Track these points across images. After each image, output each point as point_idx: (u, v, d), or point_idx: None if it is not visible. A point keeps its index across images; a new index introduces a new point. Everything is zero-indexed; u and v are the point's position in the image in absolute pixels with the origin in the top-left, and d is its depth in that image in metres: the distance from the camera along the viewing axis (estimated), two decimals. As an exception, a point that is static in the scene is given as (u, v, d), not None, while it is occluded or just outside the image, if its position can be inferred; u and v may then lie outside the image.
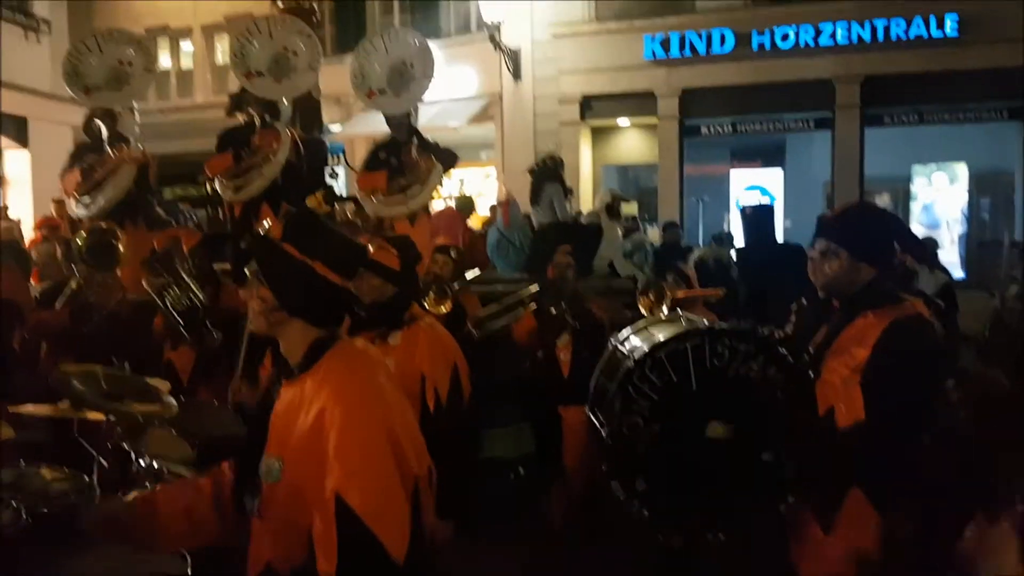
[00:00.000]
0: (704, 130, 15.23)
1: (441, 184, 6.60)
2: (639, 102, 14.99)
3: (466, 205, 10.45)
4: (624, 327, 3.37)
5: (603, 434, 2.72)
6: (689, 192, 15.13)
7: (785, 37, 13.81)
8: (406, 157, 6.23)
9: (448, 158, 6.42)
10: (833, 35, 13.59)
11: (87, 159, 6.27)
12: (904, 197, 15.41)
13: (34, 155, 14.79)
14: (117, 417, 2.59)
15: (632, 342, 3.04)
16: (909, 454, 2.78)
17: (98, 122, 6.27)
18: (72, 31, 15.31)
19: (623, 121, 15.97)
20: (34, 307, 5.34)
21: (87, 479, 2.78)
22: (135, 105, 6.72)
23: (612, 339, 3.27)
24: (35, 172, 14.67)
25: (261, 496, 2.07)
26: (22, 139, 14.79)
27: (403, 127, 6.36)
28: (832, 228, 2.88)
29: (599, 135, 16.16)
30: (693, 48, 14.25)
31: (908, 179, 15.27)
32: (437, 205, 11.15)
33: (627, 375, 2.64)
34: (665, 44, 14.37)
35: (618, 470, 2.67)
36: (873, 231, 2.93)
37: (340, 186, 8.23)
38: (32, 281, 7.86)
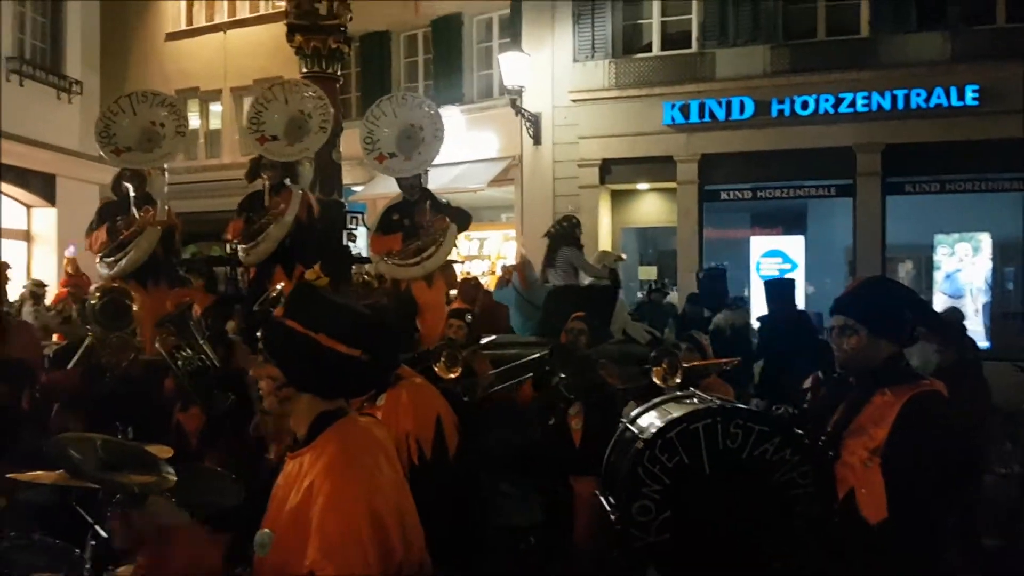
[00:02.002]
0: (724, 195, 15.26)
1: (456, 244, 6.59)
2: (658, 166, 15.08)
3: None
4: (638, 396, 3.30)
5: (612, 518, 2.63)
6: (709, 256, 15.09)
7: (805, 105, 13.89)
8: (420, 218, 6.24)
9: (462, 218, 6.42)
10: (853, 104, 13.65)
11: (114, 218, 6.28)
12: (927, 266, 15.25)
13: (60, 212, 15.05)
14: (113, 488, 2.54)
15: (644, 420, 2.97)
16: (935, 536, 2.66)
17: (126, 183, 6.28)
18: (104, 93, 15.71)
19: (642, 185, 16.05)
20: (45, 366, 5.35)
21: (77, 552, 2.72)
22: (165, 166, 6.74)
23: (623, 417, 3.20)
24: (61, 229, 14.90)
25: (252, 567, 2.04)
26: (49, 197, 15.08)
27: (415, 189, 6.39)
28: (850, 304, 2.82)
29: (618, 198, 16.24)
30: (712, 115, 14.37)
31: (931, 248, 15.13)
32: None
33: (637, 456, 2.56)
34: (684, 110, 14.50)
35: (628, 556, 2.57)
36: (891, 306, 2.86)
37: (359, 247, 8.25)
38: (56, 338, 7.92)
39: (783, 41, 14.28)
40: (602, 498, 2.93)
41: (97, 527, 2.90)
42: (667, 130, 14.72)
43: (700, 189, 14.98)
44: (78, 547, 3.02)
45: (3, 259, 7.37)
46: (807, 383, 3.11)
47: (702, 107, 14.40)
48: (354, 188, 15.14)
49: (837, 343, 2.78)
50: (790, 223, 15.89)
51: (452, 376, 5.02)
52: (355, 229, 7.63)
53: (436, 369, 4.94)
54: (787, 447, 2.55)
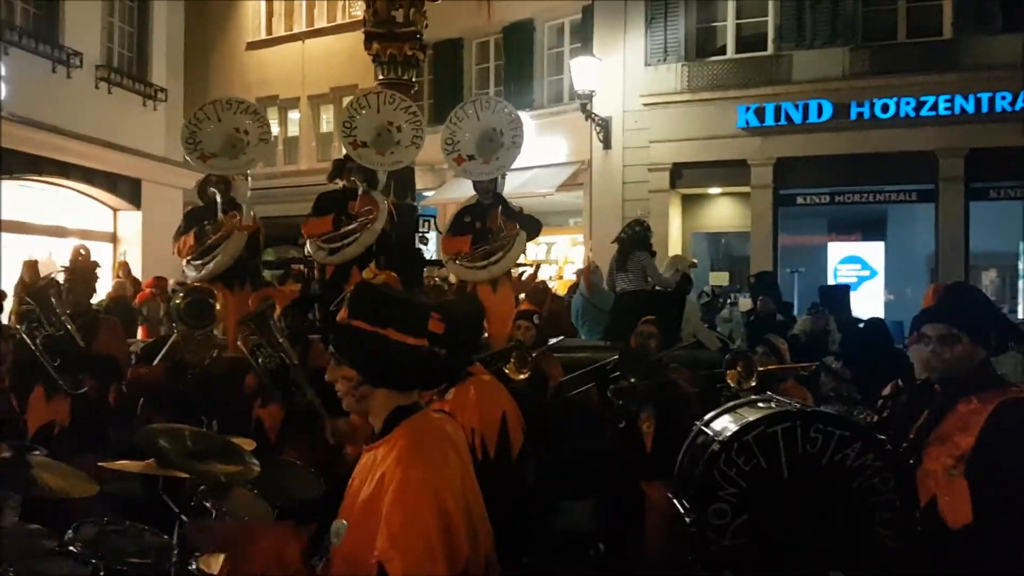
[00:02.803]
0: (800, 200, 14.97)
1: (525, 251, 6.61)
2: (731, 170, 14.87)
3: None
4: (709, 401, 3.27)
5: (687, 521, 2.61)
6: (784, 263, 14.80)
7: (885, 108, 13.53)
8: (491, 223, 6.27)
9: (532, 225, 6.43)
10: (935, 107, 13.25)
11: (201, 223, 6.40)
12: (1011, 274, 14.68)
13: (145, 216, 15.62)
14: (200, 477, 2.63)
15: (719, 423, 2.93)
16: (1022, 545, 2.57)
17: (213, 188, 6.41)
18: (187, 100, 16.26)
19: (714, 189, 15.85)
20: (131, 362, 5.55)
21: (166, 538, 2.83)
22: (248, 171, 6.89)
23: (697, 420, 3.17)
24: (145, 232, 15.47)
25: (327, 557, 2.10)
26: (135, 201, 15.66)
27: (489, 193, 6.42)
28: (951, 311, 2.71)
29: (689, 203, 16.06)
30: (789, 118, 14.11)
31: (1016, 256, 14.56)
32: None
33: (713, 458, 2.53)
34: (759, 113, 14.28)
35: (704, 560, 2.55)
36: (988, 313, 2.77)
37: (430, 251, 8.36)
38: (141, 336, 8.23)
39: (862, 43, 13.94)
40: (675, 501, 2.90)
41: (183, 516, 3.00)
42: (741, 133, 14.51)
43: (775, 193, 14.72)
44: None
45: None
46: (886, 390, 3.03)
47: (778, 110, 14.16)
48: (425, 193, 15.33)
49: (936, 352, 2.67)
50: (869, 229, 15.49)
51: (522, 377, 5.05)
52: (427, 233, 7.71)
53: (506, 370, 4.98)
54: (869, 453, 2.49)
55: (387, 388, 2.12)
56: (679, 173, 15.34)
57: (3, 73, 12.40)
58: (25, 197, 13.90)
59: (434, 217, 15.28)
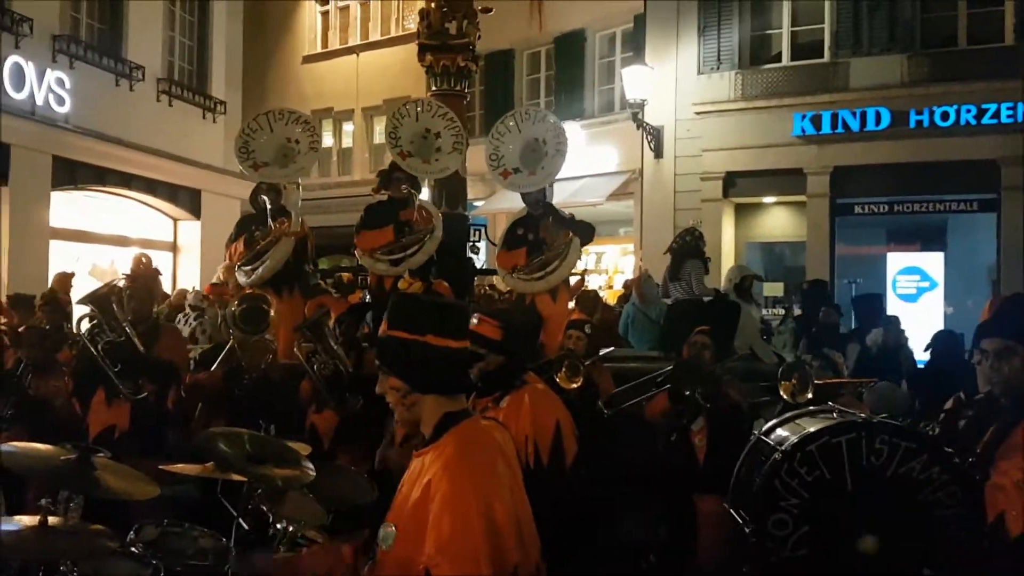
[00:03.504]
0: (858, 209, 14.67)
1: (579, 258, 6.58)
2: (786, 179, 14.65)
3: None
4: (764, 414, 3.21)
5: (746, 531, 2.56)
6: (841, 273, 14.50)
7: (945, 116, 13.19)
8: (544, 233, 6.25)
9: (586, 231, 6.39)
10: (997, 115, 12.86)
11: (251, 230, 6.54)
12: (1077, 285, 14.15)
13: (204, 225, 15.98)
14: (258, 480, 2.67)
15: (779, 433, 2.87)
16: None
17: (263, 196, 6.54)
18: (245, 113, 16.62)
19: (769, 198, 15.63)
20: (190, 368, 5.66)
21: (224, 541, 2.87)
22: (299, 180, 6.99)
23: (756, 429, 3.11)
24: (204, 241, 15.82)
25: (375, 562, 2.11)
26: (195, 210, 16.03)
27: (539, 203, 6.41)
28: (1007, 325, 2.64)
29: (743, 212, 15.86)
30: (846, 125, 13.86)
31: (1081, 266, 14.05)
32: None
33: (774, 468, 2.48)
34: (816, 121, 14.05)
35: (762, 571, 2.50)
36: None
37: (481, 260, 8.38)
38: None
39: (921, 49, 13.64)
40: (733, 511, 2.85)
41: (240, 520, 3.05)
42: (796, 142, 14.29)
43: (832, 203, 14.45)
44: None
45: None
46: (949, 404, 2.94)
47: (835, 118, 13.91)
48: (475, 203, 15.41)
49: (996, 366, 2.61)
50: (929, 239, 15.09)
51: (573, 386, 5.02)
52: (477, 242, 7.73)
53: (557, 379, 4.96)
54: (935, 466, 2.42)
55: (434, 394, 2.14)
56: (732, 182, 15.16)
57: (69, 87, 12.83)
58: (90, 207, 14.34)
59: (484, 227, 15.31)
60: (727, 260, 14.72)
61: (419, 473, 2.10)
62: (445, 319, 2.17)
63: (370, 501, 3.40)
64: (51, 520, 2.66)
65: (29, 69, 12.13)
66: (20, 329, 5.93)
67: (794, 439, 2.59)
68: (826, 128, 13.99)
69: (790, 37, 14.70)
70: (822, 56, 14.36)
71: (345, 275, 8.32)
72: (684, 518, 4.69)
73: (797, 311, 12.87)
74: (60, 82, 12.70)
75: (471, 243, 7.54)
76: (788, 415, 3.12)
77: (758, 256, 16.07)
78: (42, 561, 2.84)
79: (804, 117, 14.12)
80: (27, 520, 2.73)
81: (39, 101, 12.32)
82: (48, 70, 12.52)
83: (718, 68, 15.02)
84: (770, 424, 3.04)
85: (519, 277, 6.27)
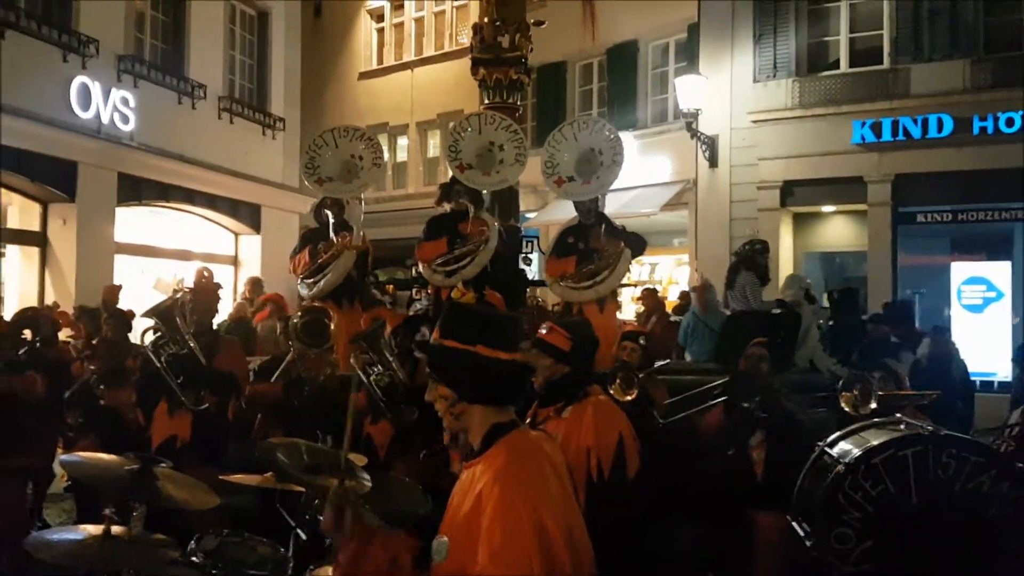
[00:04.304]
0: (920, 218, 14.28)
1: (630, 269, 6.53)
2: (846, 188, 14.36)
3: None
4: (825, 427, 3.14)
5: (807, 544, 2.49)
6: (904, 284, 14.14)
7: (1010, 122, 12.79)
8: (594, 242, 6.22)
9: (636, 243, 6.34)
10: (1064, 120, 12.46)
11: (315, 243, 6.67)
12: None
13: (264, 239, 16.31)
14: (315, 491, 2.70)
15: (843, 446, 2.80)
16: None
17: (327, 210, 6.68)
18: (304, 129, 16.94)
19: (828, 207, 15.33)
20: (250, 379, 5.77)
21: (282, 551, 2.90)
22: (361, 195, 7.10)
23: (819, 442, 3.04)
24: (264, 254, 16.15)
25: (430, 574, 2.11)
26: (255, 225, 16.37)
27: (591, 212, 6.38)
28: None
29: (801, 221, 15.58)
30: (907, 133, 13.53)
31: None
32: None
33: (837, 481, 2.42)
34: (876, 129, 13.75)
35: (823, 587, 2.43)
36: None
37: (533, 271, 8.37)
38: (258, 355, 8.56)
39: (984, 54, 13.26)
40: (794, 524, 2.79)
41: (299, 530, 3.08)
42: (856, 149, 14.00)
43: (894, 211, 14.11)
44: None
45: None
46: (1014, 416, 2.83)
47: (895, 125, 13.60)
48: (528, 214, 15.44)
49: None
50: (995, 248, 14.61)
51: (628, 399, 4.97)
52: (530, 253, 7.73)
53: (611, 391, 4.92)
54: (1006, 481, 2.33)
55: (482, 405, 2.14)
56: (790, 191, 14.91)
57: (133, 105, 13.24)
58: (154, 222, 14.75)
59: (537, 238, 15.31)
60: (785, 270, 14.47)
61: (470, 484, 2.10)
62: (496, 330, 2.18)
63: (424, 512, 3.41)
64: (114, 529, 2.71)
65: (95, 89, 12.54)
66: (93, 341, 6.13)
67: (858, 452, 2.52)
68: (886, 136, 13.69)
69: (848, 44, 14.44)
70: (881, 63, 14.06)
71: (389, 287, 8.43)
72: (741, 533, 4.60)
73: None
74: (125, 101, 13.11)
75: (523, 254, 7.55)
76: (853, 427, 3.03)
77: (817, 266, 15.76)
78: (105, 570, 2.91)
79: (864, 125, 13.84)
80: (91, 529, 2.79)
81: (105, 120, 12.72)
82: (113, 89, 12.91)
83: (774, 76, 14.82)
84: (834, 436, 2.97)
85: (567, 285, 6.24)
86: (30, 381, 5.82)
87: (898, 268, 14.22)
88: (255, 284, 12.06)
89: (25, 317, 6.91)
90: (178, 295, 5.66)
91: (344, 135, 6.87)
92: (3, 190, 12.17)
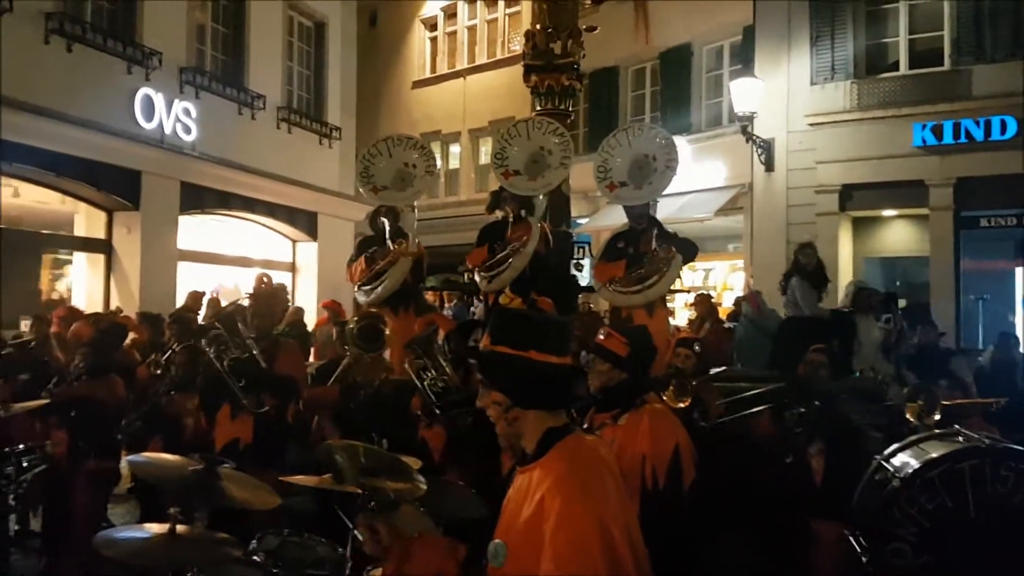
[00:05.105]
0: (984, 222, 13.88)
1: (680, 275, 6.48)
2: (907, 191, 14.02)
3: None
4: (883, 435, 3.08)
5: (863, 560, 2.46)
6: (967, 290, 13.76)
7: (1077, 123, 12.39)
8: (645, 247, 6.18)
9: (688, 249, 6.28)
10: None
11: (371, 251, 6.78)
12: None
13: (321, 246, 16.58)
14: (372, 492, 2.74)
15: (900, 458, 2.75)
16: None
17: (383, 218, 6.78)
18: (359, 138, 17.20)
19: (888, 211, 15.00)
20: (308, 383, 5.88)
21: (340, 551, 2.96)
22: (415, 203, 7.21)
23: (877, 454, 2.98)
24: (321, 261, 16.41)
25: None
26: (312, 232, 16.66)
27: (642, 218, 6.35)
28: None
29: (860, 226, 15.26)
30: (969, 135, 13.18)
31: None
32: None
33: (893, 496, 2.38)
34: (937, 131, 13.42)
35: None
36: None
37: (584, 277, 8.38)
38: (313, 359, 8.73)
39: (1049, 55, 12.86)
40: (851, 538, 2.74)
41: (356, 531, 3.13)
42: (917, 152, 13.68)
43: (956, 215, 13.74)
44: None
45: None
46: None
47: (957, 127, 13.25)
48: (579, 220, 15.42)
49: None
50: (1062, 253, 14.14)
51: (681, 406, 4.94)
52: (581, 259, 7.74)
53: (664, 398, 4.89)
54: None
55: (536, 409, 2.15)
56: (849, 195, 14.63)
57: (195, 116, 13.60)
58: (215, 230, 15.12)
59: (588, 244, 15.31)
60: (844, 276, 14.20)
61: (527, 490, 2.10)
62: (547, 335, 2.19)
63: (480, 516, 3.44)
64: (179, 528, 2.79)
65: (158, 100, 12.92)
66: (176, 347, 6.33)
67: (914, 465, 2.47)
68: (948, 138, 13.35)
69: (907, 45, 14.13)
70: (942, 64, 13.72)
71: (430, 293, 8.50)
72: (800, 542, 4.53)
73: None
74: (187, 112, 13.47)
75: (575, 260, 7.55)
76: (912, 439, 2.97)
77: (878, 271, 15.42)
78: (170, 567, 2.99)
79: (924, 127, 13.52)
80: (156, 528, 2.87)
81: (167, 130, 13.09)
82: (176, 100, 13.29)
83: (832, 78, 14.57)
84: (893, 448, 2.91)
85: (616, 290, 6.21)
86: (111, 385, 6.01)
87: (961, 273, 13.84)
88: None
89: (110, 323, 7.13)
90: (239, 301, 5.80)
91: (397, 144, 6.99)
92: (70, 199, 12.61)
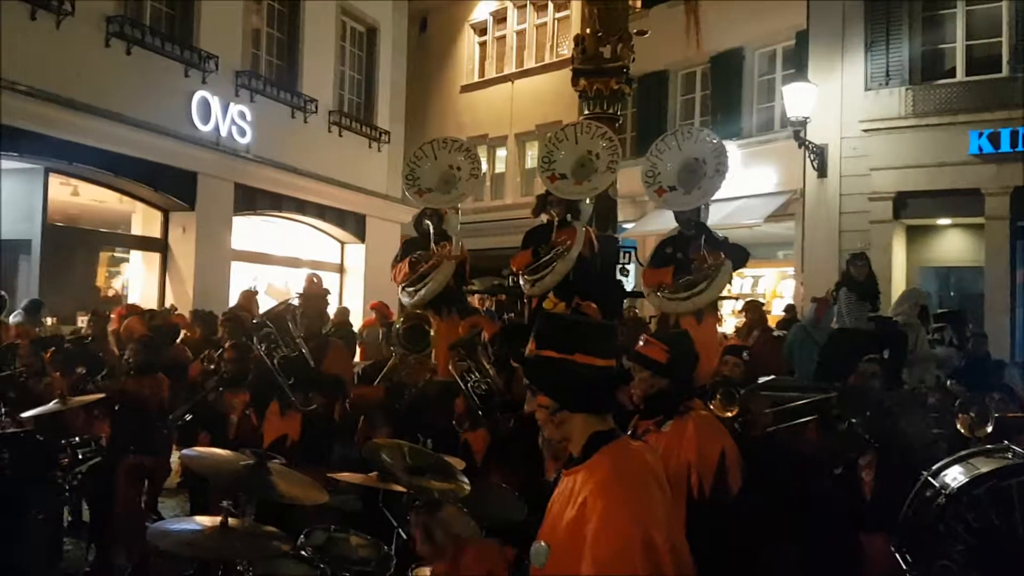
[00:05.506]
0: (1041, 233, 13.51)
1: (730, 282, 6.38)
2: (963, 200, 13.68)
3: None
4: (935, 448, 3.02)
5: (910, 576, 2.42)
6: (1023, 301, 13.39)
7: None
8: (693, 253, 6.09)
9: (738, 254, 6.17)
10: None
11: (415, 253, 6.78)
12: None
13: (368, 248, 16.76)
14: (417, 491, 2.78)
15: (948, 474, 2.68)
16: None
17: (427, 221, 6.80)
18: (407, 142, 17.36)
19: (943, 220, 14.66)
20: (355, 383, 5.95)
21: (385, 548, 3.00)
22: (459, 205, 7.20)
23: (925, 470, 2.92)
24: (368, 262, 16.60)
25: None
26: (360, 234, 16.86)
27: (691, 223, 6.25)
28: None
29: (915, 234, 14.93)
30: (1028, 143, 12.83)
31: None
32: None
33: (939, 513, 2.32)
34: (994, 139, 13.08)
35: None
36: None
37: (630, 282, 8.33)
38: (359, 358, 8.84)
39: (1111, 61, 12.46)
40: (898, 555, 2.70)
41: (400, 529, 3.18)
42: (973, 160, 13.35)
43: (1012, 225, 13.36)
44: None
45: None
46: None
47: (1014, 135, 12.88)
48: (625, 225, 15.34)
49: None
50: (1123, 263, 13.67)
51: (728, 415, 4.89)
52: (627, 264, 7.67)
53: (712, 407, 4.84)
54: None
55: (583, 412, 2.15)
56: (903, 203, 14.33)
57: (250, 119, 13.86)
58: (267, 231, 15.39)
59: (634, 249, 15.18)
60: (898, 284, 13.94)
61: (571, 492, 2.11)
62: (591, 338, 2.20)
63: (520, 519, 3.46)
64: (231, 521, 2.85)
65: (214, 103, 13.20)
66: (227, 345, 6.47)
67: (961, 481, 2.41)
68: (1005, 146, 12.99)
69: (964, 51, 13.80)
70: (1000, 71, 13.36)
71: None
72: (850, 556, 4.45)
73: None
74: (242, 115, 13.74)
75: (621, 265, 7.50)
76: (961, 454, 2.90)
77: (932, 281, 15.07)
78: (221, 559, 3.06)
79: (981, 135, 13.18)
80: (208, 520, 2.93)
81: (223, 133, 13.37)
82: (231, 104, 13.57)
83: (887, 84, 14.29)
84: (940, 464, 2.84)
85: (664, 296, 6.11)
86: (156, 383, 6.16)
87: (1017, 284, 13.46)
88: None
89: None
90: (290, 301, 5.89)
91: (443, 147, 7.01)
92: (128, 198, 12.94)
